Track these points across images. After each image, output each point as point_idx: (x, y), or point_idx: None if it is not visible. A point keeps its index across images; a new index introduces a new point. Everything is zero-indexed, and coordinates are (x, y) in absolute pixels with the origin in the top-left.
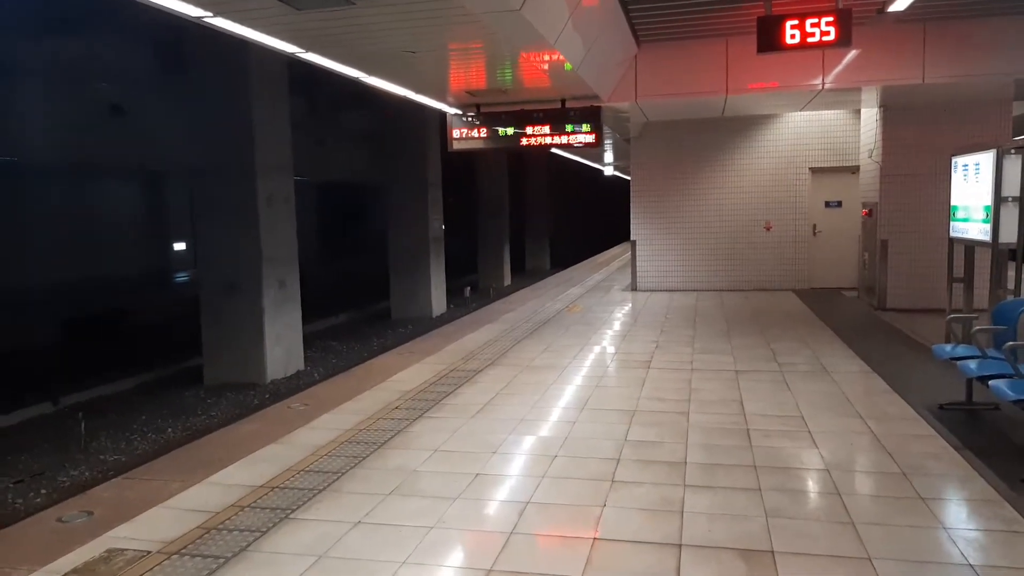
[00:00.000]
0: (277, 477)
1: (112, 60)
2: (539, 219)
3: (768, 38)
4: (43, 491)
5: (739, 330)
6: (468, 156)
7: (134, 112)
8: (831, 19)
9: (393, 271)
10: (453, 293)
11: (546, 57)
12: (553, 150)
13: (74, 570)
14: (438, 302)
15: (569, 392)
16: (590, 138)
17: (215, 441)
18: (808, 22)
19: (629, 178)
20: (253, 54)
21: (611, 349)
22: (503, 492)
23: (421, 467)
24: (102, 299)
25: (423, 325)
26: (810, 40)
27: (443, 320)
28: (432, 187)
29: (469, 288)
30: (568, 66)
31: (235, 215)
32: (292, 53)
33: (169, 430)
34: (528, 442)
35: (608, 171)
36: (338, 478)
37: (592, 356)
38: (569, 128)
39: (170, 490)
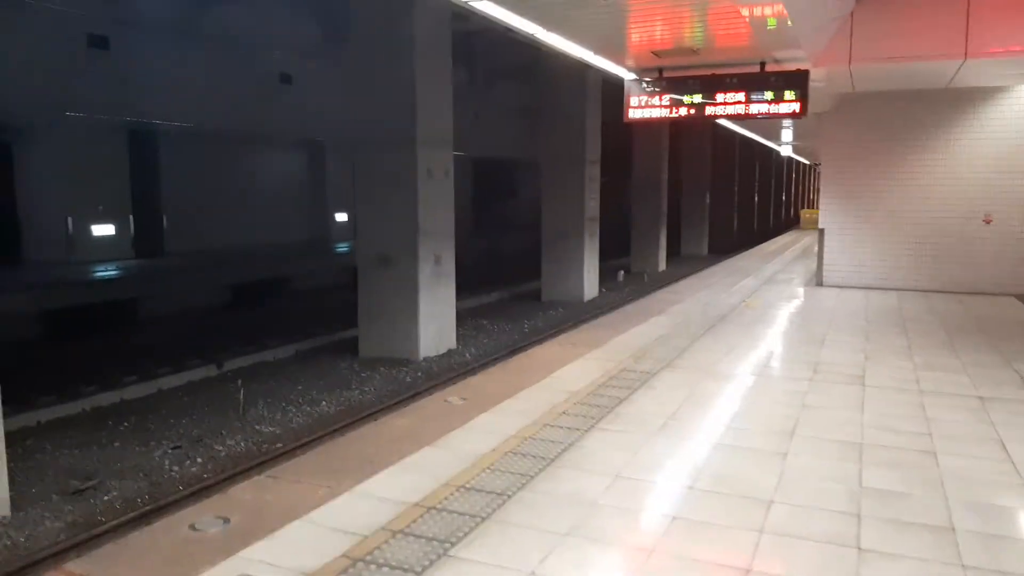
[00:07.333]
0: (433, 494)
1: (277, 30)
2: (698, 201)
3: None
4: (199, 459)
5: (965, 342)
6: (624, 131)
7: (298, 83)
8: None
9: (545, 251)
10: (605, 276)
11: (765, 11)
12: (720, 122)
13: None
14: (590, 285)
15: (769, 411)
16: (795, 107)
17: (366, 436)
18: None
19: (804, 160)
20: (417, 21)
21: (809, 357)
22: (713, 550)
23: (601, 499)
24: (265, 267)
25: (574, 309)
26: None
27: (595, 304)
28: (590, 164)
29: (623, 272)
30: (772, 22)
31: (394, 187)
32: (465, 2)
33: (323, 403)
34: (730, 476)
35: (785, 151)
36: (503, 503)
37: (788, 364)
38: (769, 95)
39: (315, 497)
